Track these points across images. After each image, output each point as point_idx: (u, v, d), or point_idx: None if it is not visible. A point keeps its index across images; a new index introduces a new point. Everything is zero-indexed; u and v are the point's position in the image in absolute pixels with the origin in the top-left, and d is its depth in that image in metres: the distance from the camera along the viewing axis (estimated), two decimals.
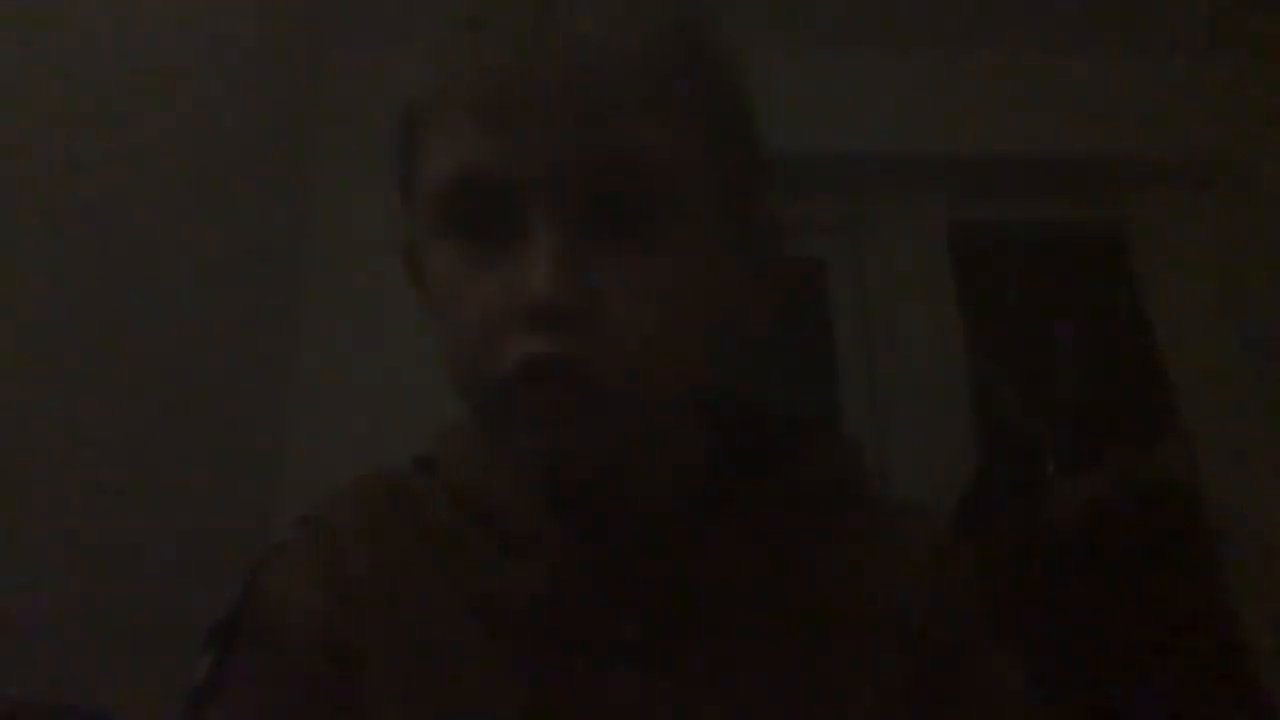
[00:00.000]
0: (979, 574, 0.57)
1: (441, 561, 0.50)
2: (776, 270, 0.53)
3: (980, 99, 1.93)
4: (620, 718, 0.46)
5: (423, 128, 0.46)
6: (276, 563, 0.51)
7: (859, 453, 0.57)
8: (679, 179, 0.44)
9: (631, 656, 0.47)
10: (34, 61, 1.05)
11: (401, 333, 1.66)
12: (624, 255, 0.43)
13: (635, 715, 0.46)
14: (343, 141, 1.85)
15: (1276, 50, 1.96)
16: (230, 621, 0.49)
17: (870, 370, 1.84)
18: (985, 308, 1.91)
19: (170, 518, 1.26)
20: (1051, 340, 1.93)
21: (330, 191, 1.81)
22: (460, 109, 0.43)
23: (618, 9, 0.44)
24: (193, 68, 1.41)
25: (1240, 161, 1.89)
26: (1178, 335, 1.81)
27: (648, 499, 0.51)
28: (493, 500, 0.51)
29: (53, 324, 1.07)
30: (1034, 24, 1.94)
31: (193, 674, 0.48)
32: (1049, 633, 1.47)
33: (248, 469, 1.52)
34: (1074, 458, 1.66)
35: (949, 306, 1.86)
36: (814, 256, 1.96)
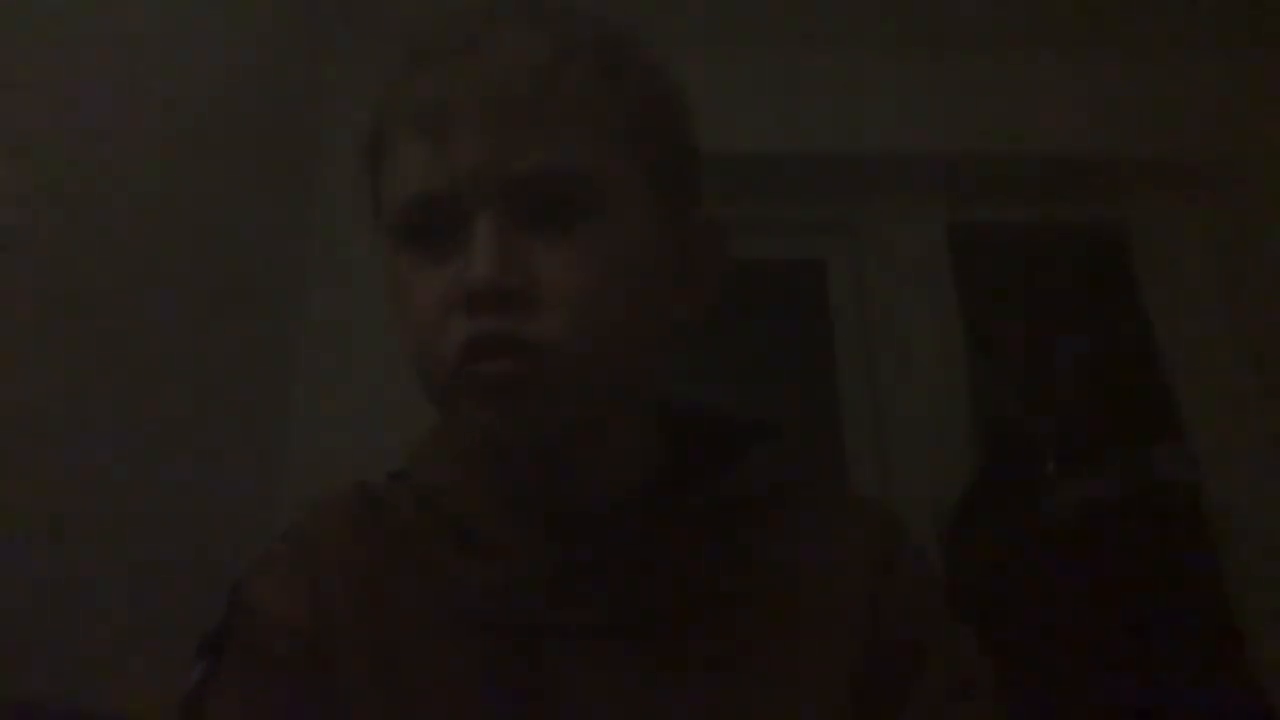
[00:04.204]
0: (934, 563, 0.58)
1: (410, 562, 0.54)
2: (710, 264, 0.57)
3: (980, 99, 1.93)
4: (578, 704, 0.49)
5: (379, 156, 0.54)
6: (259, 575, 0.55)
7: (811, 453, 0.60)
8: (598, 180, 0.50)
9: (586, 645, 0.50)
10: (37, 60, 1.05)
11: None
12: (554, 245, 0.48)
13: (591, 701, 0.49)
14: (346, 141, 1.85)
15: (1276, 50, 1.96)
16: (217, 633, 0.52)
17: (870, 370, 1.84)
18: (985, 308, 1.90)
19: (171, 517, 1.26)
20: (1051, 340, 1.93)
21: (333, 191, 1.81)
22: (404, 138, 0.51)
23: (538, 37, 0.50)
24: (196, 68, 1.41)
25: (1240, 161, 1.89)
26: (1178, 335, 1.81)
27: (601, 494, 0.54)
28: (455, 501, 0.54)
29: (53, 322, 1.07)
30: (1034, 24, 1.94)
31: (185, 683, 0.50)
32: (1049, 633, 1.47)
33: (248, 469, 1.52)
34: (1074, 458, 1.66)
35: (949, 306, 1.86)
36: (814, 257, 1.97)
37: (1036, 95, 1.93)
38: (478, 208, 0.48)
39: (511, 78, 0.48)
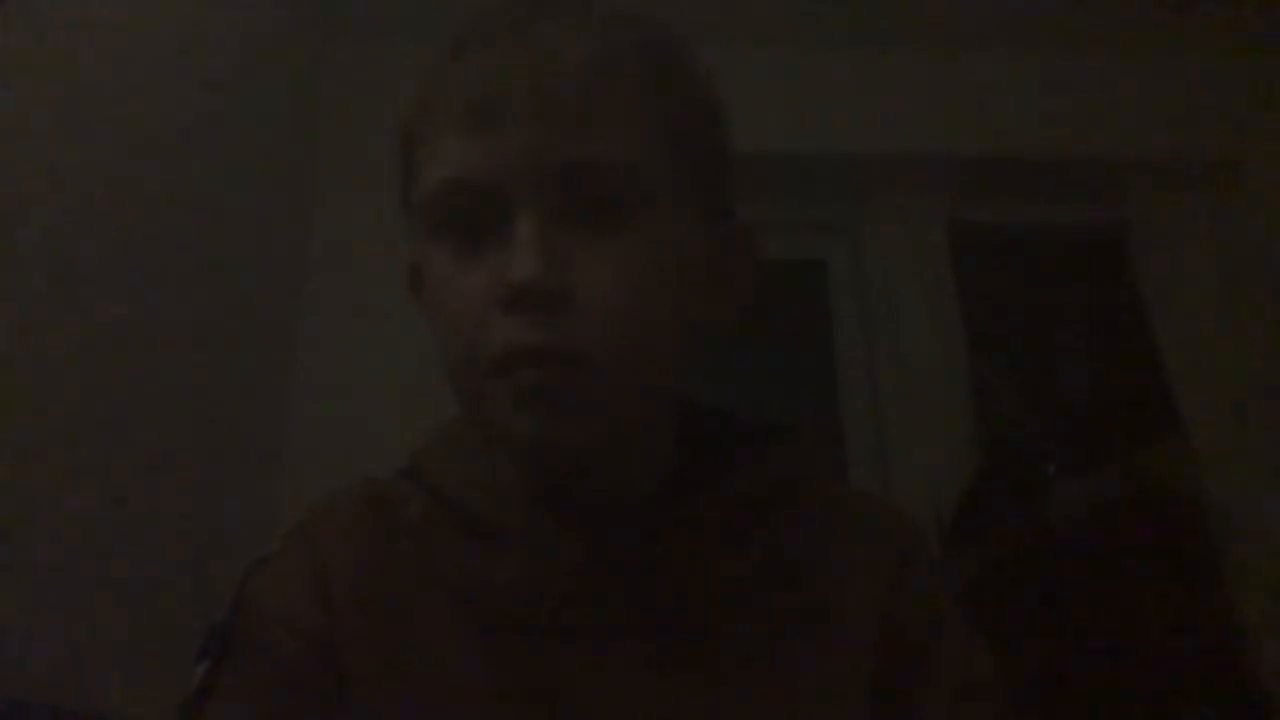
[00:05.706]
0: (945, 563, 0.59)
1: (421, 559, 0.53)
2: (742, 268, 0.56)
3: (980, 99, 1.93)
4: (594, 704, 0.49)
5: (416, 147, 0.52)
6: (263, 573, 0.54)
7: (824, 454, 0.60)
8: (641, 178, 0.49)
9: (603, 645, 0.50)
10: (39, 59, 1.05)
11: (403, 334, 1.67)
12: (595, 245, 0.47)
13: (608, 701, 0.49)
14: (346, 142, 1.85)
15: (1277, 50, 1.96)
16: (221, 632, 0.51)
17: (870, 370, 1.84)
18: (985, 308, 1.90)
19: (171, 518, 1.27)
20: (1052, 341, 1.93)
21: (333, 191, 1.81)
22: (447, 126, 0.49)
23: (586, 33, 0.50)
24: (197, 69, 1.41)
25: (1240, 161, 1.89)
26: (1178, 335, 1.81)
27: (622, 492, 0.53)
28: (468, 495, 0.53)
29: (54, 324, 1.07)
30: (1034, 24, 1.94)
31: (187, 684, 0.49)
32: (1049, 633, 1.47)
33: (248, 469, 1.52)
34: (1074, 459, 1.66)
35: (949, 306, 1.86)
36: (814, 257, 1.97)
37: (1036, 95, 1.93)
38: (521, 202, 0.47)
39: (561, 71, 0.47)
